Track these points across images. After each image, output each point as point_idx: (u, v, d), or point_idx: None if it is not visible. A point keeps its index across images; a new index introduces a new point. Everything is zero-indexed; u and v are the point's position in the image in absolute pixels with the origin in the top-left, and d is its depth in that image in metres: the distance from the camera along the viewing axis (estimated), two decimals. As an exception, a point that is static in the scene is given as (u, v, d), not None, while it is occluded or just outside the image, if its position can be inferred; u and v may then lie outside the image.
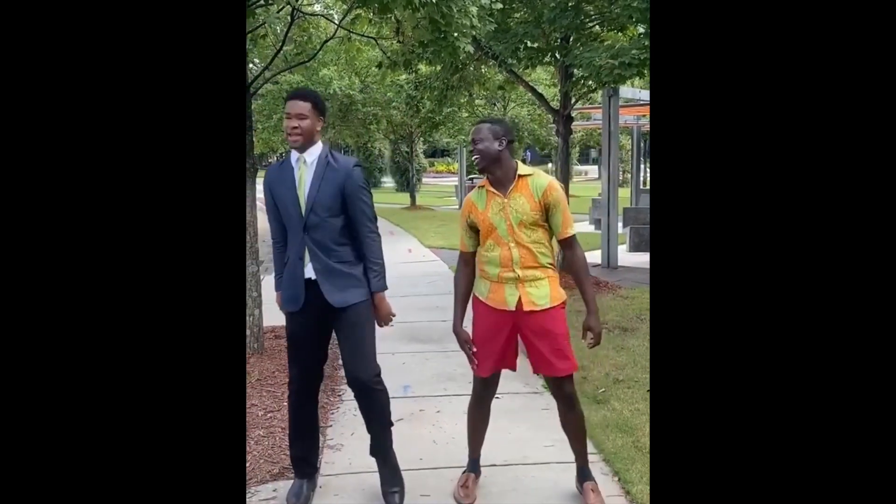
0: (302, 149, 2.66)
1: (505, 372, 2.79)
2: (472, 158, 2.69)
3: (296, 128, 2.60)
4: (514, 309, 2.63)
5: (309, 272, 2.66)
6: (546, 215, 2.62)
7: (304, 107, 2.61)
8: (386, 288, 2.75)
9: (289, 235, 2.72)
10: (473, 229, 2.72)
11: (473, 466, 2.90)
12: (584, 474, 2.83)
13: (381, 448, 2.84)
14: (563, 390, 2.70)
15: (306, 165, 2.66)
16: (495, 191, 2.65)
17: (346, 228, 2.68)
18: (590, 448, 3.27)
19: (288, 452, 3.21)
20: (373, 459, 2.86)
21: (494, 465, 3.05)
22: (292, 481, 2.86)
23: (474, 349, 2.71)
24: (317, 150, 2.69)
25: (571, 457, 2.84)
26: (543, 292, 2.64)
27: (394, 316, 2.81)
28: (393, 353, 4.87)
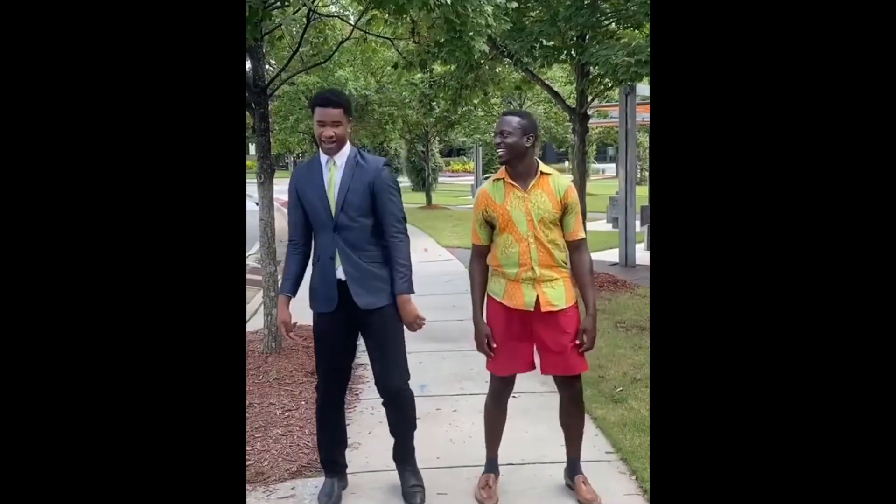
0: (333, 152, 2.62)
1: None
2: (497, 151, 2.61)
3: (331, 137, 2.56)
4: (532, 310, 2.63)
5: (340, 273, 2.61)
6: (562, 215, 2.63)
7: (336, 114, 2.55)
8: (412, 291, 2.65)
9: (318, 237, 2.67)
10: (489, 223, 2.67)
11: (492, 466, 2.88)
12: (575, 467, 2.84)
13: (406, 453, 2.84)
14: (573, 388, 2.74)
15: (336, 167, 2.62)
16: (515, 184, 2.62)
17: (377, 229, 2.62)
18: (607, 447, 3.27)
19: (306, 451, 3.24)
20: (390, 457, 2.87)
21: (511, 464, 3.05)
22: (311, 479, 2.87)
23: (494, 345, 2.70)
24: (346, 151, 2.64)
25: (589, 455, 2.83)
26: (559, 293, 2.64)
27: (423, 320, 2.69)
28: (409, 353, 4.86)
